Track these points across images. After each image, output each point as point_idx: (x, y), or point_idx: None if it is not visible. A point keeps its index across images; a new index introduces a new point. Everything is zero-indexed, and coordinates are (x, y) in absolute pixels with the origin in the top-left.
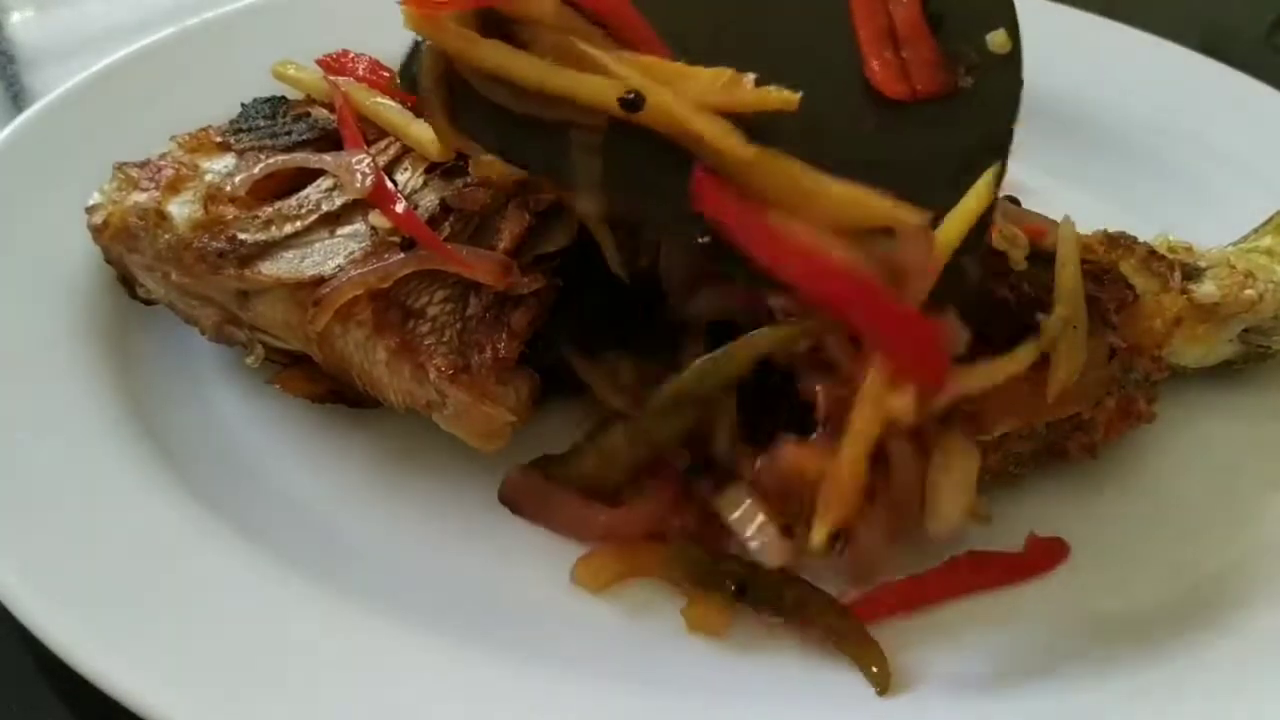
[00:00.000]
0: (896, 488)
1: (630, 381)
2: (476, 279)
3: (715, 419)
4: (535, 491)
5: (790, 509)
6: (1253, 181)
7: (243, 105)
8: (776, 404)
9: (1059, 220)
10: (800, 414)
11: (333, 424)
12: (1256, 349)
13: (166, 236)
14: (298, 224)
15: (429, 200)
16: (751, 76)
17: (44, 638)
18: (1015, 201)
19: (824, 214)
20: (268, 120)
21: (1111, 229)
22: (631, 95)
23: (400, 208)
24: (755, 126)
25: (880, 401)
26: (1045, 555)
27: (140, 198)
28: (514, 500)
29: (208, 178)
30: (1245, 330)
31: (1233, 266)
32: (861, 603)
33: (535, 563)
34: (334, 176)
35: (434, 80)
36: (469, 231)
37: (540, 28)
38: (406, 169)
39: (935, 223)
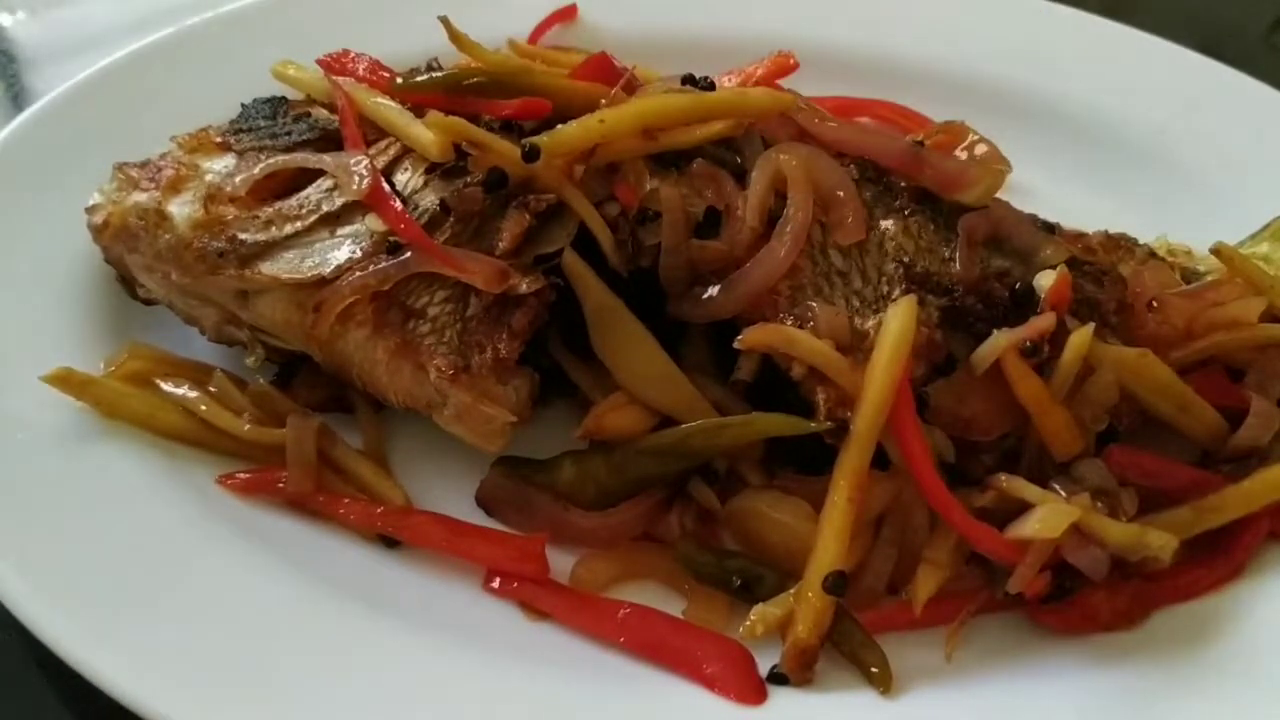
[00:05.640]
0: (900, 529)
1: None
2: (472, 283)
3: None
4: (513, 494)
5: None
6: (1253, 182)
7: (243, 105)
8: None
9: (1057, 221)
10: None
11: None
12: None
13: (167, 236)
14: (298, 224)
15: (429, 201)
16: None
17: (44, 637)
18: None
19: None
20: (268, 120)
21: (1111, 229)
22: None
23: (397, 209)
24: None
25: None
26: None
27: (140, 198)
28: (490, 502)
29: (208, 178)
30: None
31: None
32: (873, 617)
33: None
34: (334, 177)
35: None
36: (469, 232)
37: None
38: (407, 169)
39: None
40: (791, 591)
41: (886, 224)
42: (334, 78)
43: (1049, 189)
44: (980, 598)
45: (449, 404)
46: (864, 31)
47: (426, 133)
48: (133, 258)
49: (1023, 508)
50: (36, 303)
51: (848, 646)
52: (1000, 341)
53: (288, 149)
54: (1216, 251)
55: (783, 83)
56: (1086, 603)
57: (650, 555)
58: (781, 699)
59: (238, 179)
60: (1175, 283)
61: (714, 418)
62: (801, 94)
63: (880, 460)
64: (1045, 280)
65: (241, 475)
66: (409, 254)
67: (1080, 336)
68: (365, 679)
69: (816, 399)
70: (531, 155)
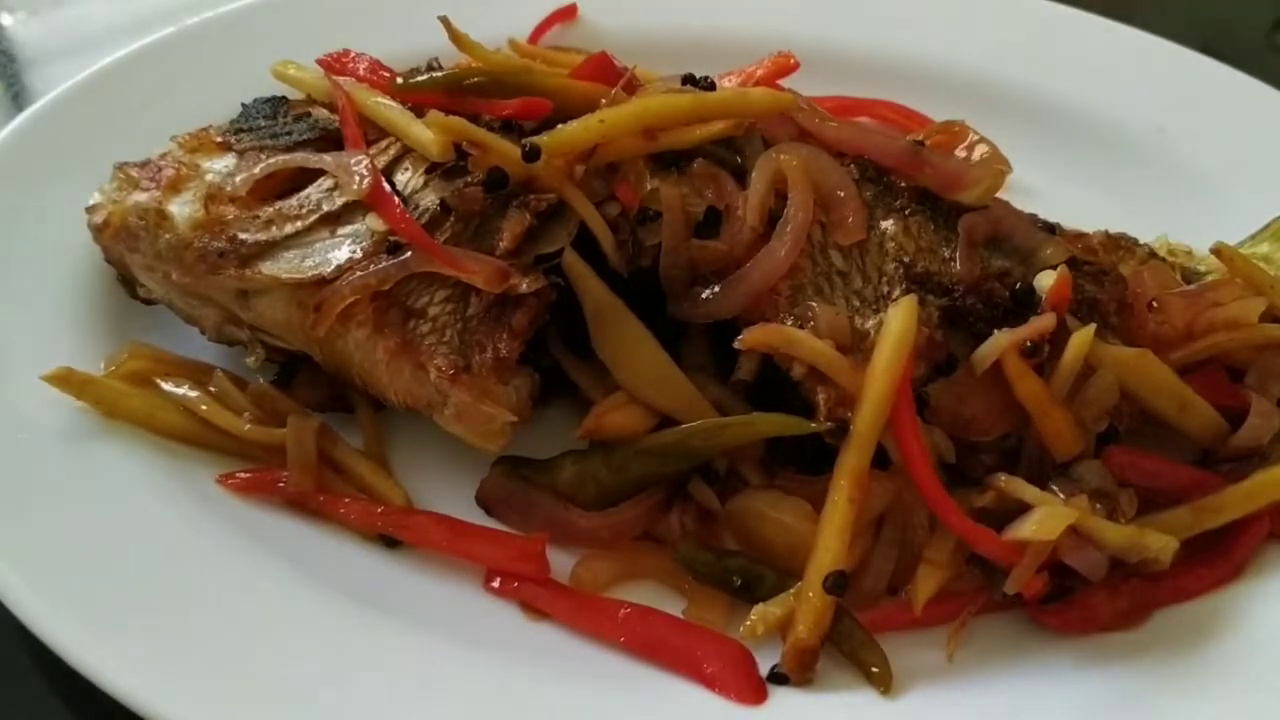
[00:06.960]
0: (901, 529)
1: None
2: (473, 283)
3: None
4: (514, 494)
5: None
6: (1253, 182)
7: (243, 105)
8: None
9: (1057, 222)
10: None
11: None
12: None
13: (167, 236)
14: (298, 224)
15: (429, 200)
16: None
17: (44, 637)
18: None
19: None
20: (268, 120)
21: (1111, 229)
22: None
23: (398, 209)
24: None
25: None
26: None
27: (141, 197)
28: (491, 502)
29: (208, 178)
30: None
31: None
32: (873, 617)
33: None
34: (334, 176)
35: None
36: (469, 232)
37: None
38: (407, 169)
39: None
40: (792, 591)
41: (887, 224)
42: (334, 78)
43: (1049, 189)
44: (980, 598)
45: (449, 404)
46: (864, 31)
47: (427, 132)
48: (133, 257)
49: (1022, 508)
50: (36, 303)
51: (848, 646)
52: (1001, 341)
53: (288, 149)
54: (1216, 251)
55: (783, 83)
56: (1086, 603)
57: (650, 555)
58: (781, 699)
59: (238, 179)
60: (1175, 283)
61: (714, 418)
62: (801, 94)
63: (880, 460)
64: (1045, 280)
65: (241, 475)
66: (409, 254)
67: (1081, 337)
68: (365, 679)
69: (817, 399)
70: (532, 155)
